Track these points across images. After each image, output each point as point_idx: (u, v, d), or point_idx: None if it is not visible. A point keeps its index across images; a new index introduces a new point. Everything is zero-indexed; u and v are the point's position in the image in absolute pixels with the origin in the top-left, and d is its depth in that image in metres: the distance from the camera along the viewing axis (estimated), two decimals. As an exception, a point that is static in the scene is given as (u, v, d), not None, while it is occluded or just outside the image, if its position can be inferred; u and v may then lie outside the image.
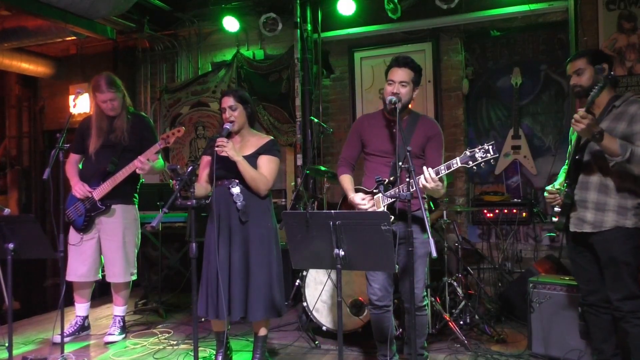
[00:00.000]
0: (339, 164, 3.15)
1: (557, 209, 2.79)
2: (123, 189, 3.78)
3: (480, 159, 2.50)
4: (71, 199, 3.80)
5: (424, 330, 3.05)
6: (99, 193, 3.72)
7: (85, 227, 3.78)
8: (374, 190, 2.90)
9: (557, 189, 2.80)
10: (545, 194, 2.86)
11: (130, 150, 3.75)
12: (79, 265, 3.79)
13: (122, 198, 3.82)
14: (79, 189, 3.73)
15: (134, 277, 3.94)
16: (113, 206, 3.79)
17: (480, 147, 2.52)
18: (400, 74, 2.82)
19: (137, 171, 3.67)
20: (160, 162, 3.92)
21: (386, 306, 2.94)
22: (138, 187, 4.01)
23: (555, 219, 2.80)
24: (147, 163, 3.65)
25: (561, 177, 2.92)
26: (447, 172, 2.59)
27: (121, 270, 3.81)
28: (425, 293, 2.97)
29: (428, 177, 2.57)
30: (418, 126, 2.91)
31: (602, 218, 2.63)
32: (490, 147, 2.49)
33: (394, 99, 2.73)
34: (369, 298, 2.98)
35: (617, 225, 2.60)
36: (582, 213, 2.70)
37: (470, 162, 2.52)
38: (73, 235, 3.82)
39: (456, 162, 2.56)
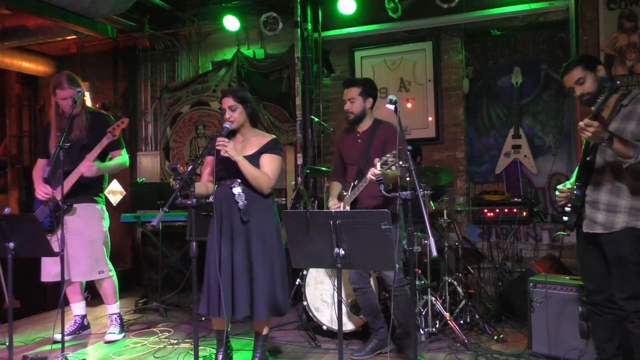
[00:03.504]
0: (331, 174, 3.64)
1: (567, 208, 2.74)
2: (84, 188, 3.75)
3: (390, 162, 2.73)
4: (37, 202, 3.79)
5: (406, 310, 3.25)
6: (59, 192, 3.70)
7: (52, 227, 3.75)
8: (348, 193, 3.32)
9: (568, 189, 2.76)
10: (557, 192, 2.82)
11: (89, 149, 3.70)
12: (52, 266, 3.75)
13: (83, 196, 3.78)
14: (41, 190, 3.71)
15: (106, 275, 3.86)
16: (75, 205, 3.76)
17: (390, 153, 2.74)
18: (347, 93, 3.38)
19: (86, 174, 3.63)
20: (121, 159, 3.88)
21: (362, 288, 3.40)
22: (104, 185, 3.99)
23: (566, 219, 2.75)
24: (94, 165, 3.63)
25: (575, 177, 2.89)
26: (381, 168, 2.79)
27: (87, 268, 3.77)
28: (402, 276, 3.31)
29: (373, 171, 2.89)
30: (377, 133, 3.33)
31: (613, 219, 2.60)
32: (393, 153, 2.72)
33: (348, 110, 3.35)
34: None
35: (628, 226, 2.57)
36: (593, 214, 2.66)
37: (384, 166, 2.77)
38: None
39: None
